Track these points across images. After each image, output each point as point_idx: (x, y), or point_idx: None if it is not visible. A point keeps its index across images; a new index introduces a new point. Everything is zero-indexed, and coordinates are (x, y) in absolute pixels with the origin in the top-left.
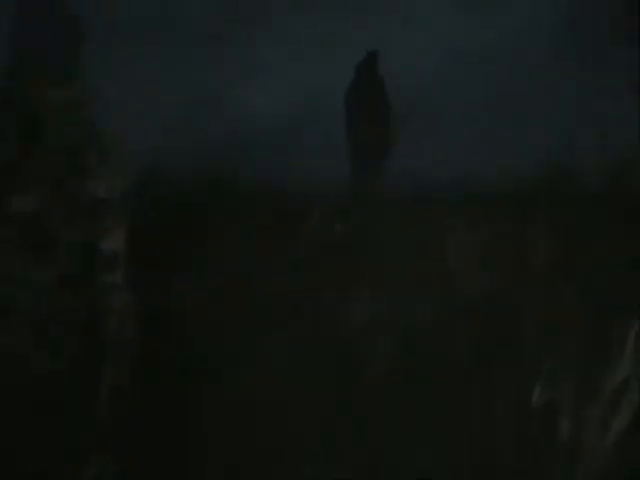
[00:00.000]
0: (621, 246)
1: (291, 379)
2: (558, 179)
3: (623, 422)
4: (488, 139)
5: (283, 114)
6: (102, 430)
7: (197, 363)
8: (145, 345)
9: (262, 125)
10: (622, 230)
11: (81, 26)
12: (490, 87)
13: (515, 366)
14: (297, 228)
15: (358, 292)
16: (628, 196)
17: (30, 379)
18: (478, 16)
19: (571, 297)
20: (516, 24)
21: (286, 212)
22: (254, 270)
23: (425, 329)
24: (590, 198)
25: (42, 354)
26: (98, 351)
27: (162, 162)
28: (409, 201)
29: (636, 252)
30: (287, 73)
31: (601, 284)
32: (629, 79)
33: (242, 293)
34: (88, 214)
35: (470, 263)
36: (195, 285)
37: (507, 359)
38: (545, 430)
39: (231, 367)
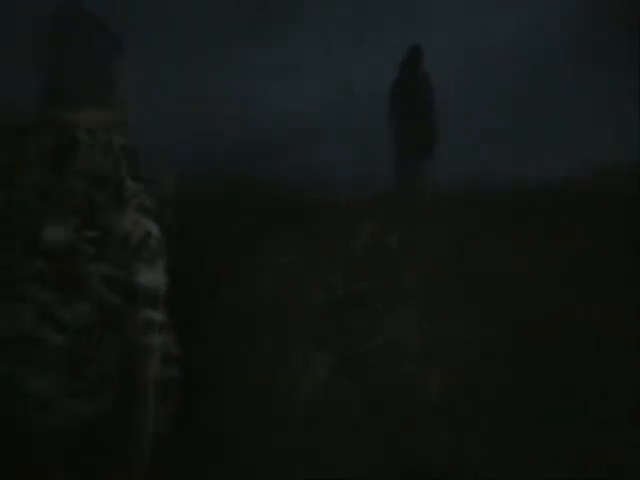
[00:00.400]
0: None
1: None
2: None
3: None
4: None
5: (315, 114)
6: None
7: (248, 409)
8: (188, 388)
9: (294, 125)
10: None
11: (118, 44)
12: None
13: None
14: (348, 241)
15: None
16: None
17: (64, 427)
18: (493, 16)
19: None
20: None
21: (334, 223)
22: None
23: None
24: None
25: (77, 400)
26: (138, 395)
27: (194, 173)
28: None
29: None
30: (319, 71)
31: None
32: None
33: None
34: (125, 246)
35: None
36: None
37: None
38: None
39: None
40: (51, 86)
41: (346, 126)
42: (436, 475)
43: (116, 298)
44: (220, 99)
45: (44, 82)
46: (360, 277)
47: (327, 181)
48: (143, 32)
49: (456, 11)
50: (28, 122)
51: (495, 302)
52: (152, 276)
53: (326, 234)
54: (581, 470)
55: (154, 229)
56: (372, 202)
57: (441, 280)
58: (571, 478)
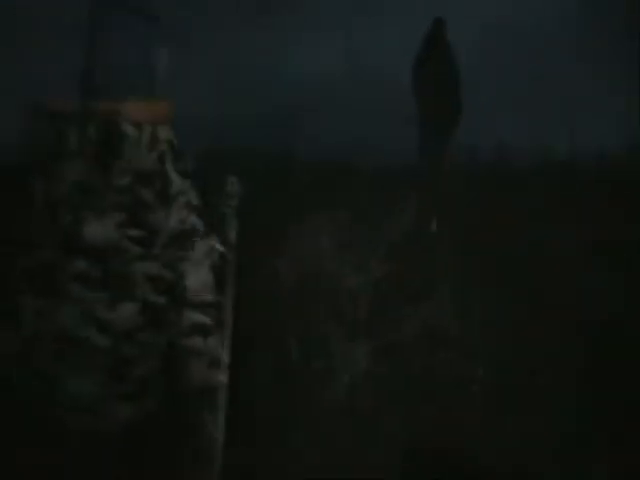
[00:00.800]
0: None
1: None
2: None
3: None
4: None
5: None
6: None
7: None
8: (237, 392)
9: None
10: None
11: (156, 29)
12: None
13: None
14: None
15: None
16: None
17: (107, 431)
18: None
19: None
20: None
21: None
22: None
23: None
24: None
25: (119, 402)
26: (183, 400)
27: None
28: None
29: None
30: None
31: None
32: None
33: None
34: (171, 245)
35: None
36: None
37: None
38: None
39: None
40: (92, 75)
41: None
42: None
43: (162, 299)
44: (251, 67)
45: (86, 70)
46: (398, 260)
47: (363, 150)
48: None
49: None
50: (69, 112)
51: (523, 283)
52: (199, 277)
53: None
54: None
55: (201, 227)
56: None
57: (473, 263)
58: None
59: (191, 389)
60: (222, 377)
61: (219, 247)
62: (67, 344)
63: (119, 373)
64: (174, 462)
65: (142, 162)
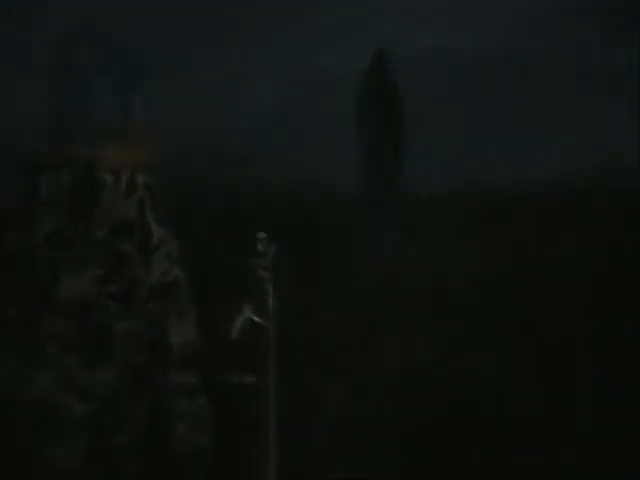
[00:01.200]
0: None
1: None
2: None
3: None
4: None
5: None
6: None
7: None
8: (221, 457)
9: None
10: None
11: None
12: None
13: None
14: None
15: None
16: None
17: None
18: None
19: None
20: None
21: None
22: None
23: None
24: None
25: (103, 472)
26: (164, 464)
27: None
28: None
29: None
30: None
31: None
32: None
33: None
34: (153, 299)
35: None
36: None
37: None
38: None
39: None
40: (65, 119)
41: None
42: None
43: (144, 358)
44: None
45: (59, 115)
46: None
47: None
48: None
49: (441, 10)
50: (41, 160)
51: None
52: (183, 332)
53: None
54: None
55: (183, 279)
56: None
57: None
58: None
59: (177, 454)
60: (205, 440)
61: (254, 317)
62: (45, 412)
63: (100, 441)
64: None
65: (121, 210)
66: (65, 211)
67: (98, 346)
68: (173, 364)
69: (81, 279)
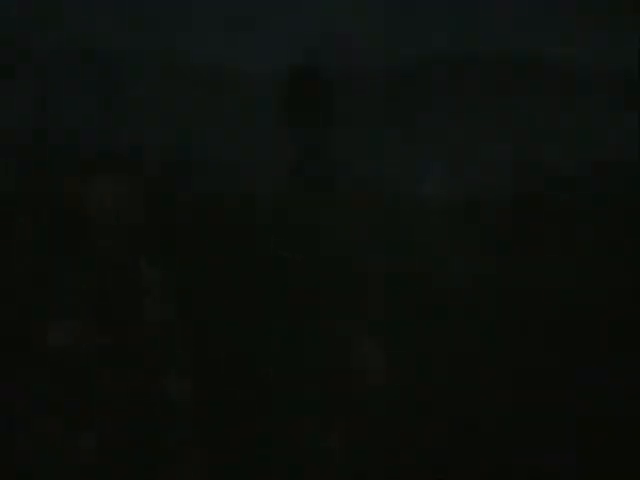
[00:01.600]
0: None
1: None
2: None
3: None
4: None
5: None
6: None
7: None
8: None
9: None
10: None
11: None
12: None
13: None
14: None
15: None
16: None
17: None
18: None
19: None
20: None
21: None
22: None
23: None
24: None
25: None
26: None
27: None
28: None
29: None
30: None
31: None
32: None
33: None
34: (145, 345)
35: None
36: None
37: None
38: None
39: None
40: (41, 146)
41: None
42: None
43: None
44: None
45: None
46: None
47: None
48: None
49: None
50: (10, 192)
51: None
52: (183, 387)
53: None
54: None
55: (176, 321)
56: None
57: None
58: None
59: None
60: None
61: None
62: None
63: None
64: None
65: (109, 248)
66: (45, 248)
67: (84, 403)
68: (169, 417)
69: (70, 326)
